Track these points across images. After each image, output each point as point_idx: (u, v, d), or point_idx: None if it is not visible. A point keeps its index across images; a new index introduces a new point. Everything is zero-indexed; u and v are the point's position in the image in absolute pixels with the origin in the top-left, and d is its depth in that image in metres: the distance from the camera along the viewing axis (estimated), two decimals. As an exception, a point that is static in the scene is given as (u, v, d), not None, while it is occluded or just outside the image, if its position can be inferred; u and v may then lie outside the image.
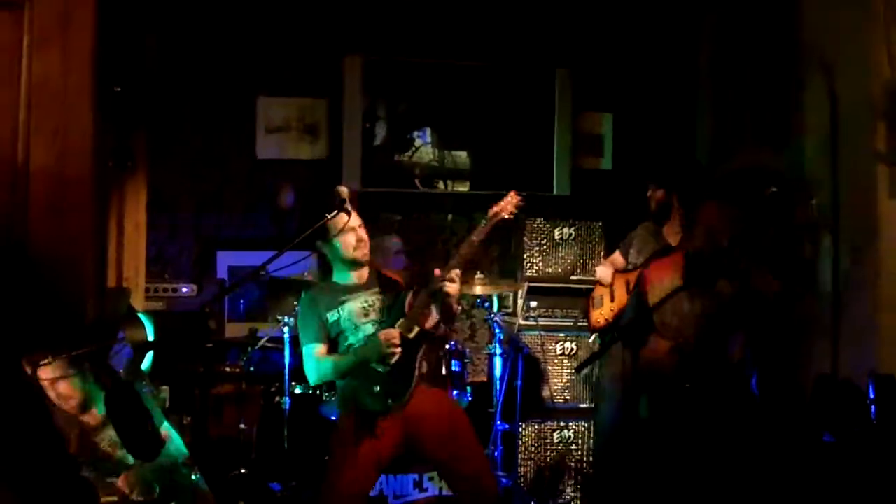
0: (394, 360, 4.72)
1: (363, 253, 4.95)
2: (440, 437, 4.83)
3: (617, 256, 6.17)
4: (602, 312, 6.00)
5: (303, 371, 5.04)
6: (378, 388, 4.74)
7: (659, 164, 5.90)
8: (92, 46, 4.48)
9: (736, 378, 4.97)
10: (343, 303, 4.94)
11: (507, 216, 4.92)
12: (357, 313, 4.93)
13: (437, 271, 4.78)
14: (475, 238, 4.85)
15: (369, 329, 4.89)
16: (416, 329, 4.77)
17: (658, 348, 5.05)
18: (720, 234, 4.88)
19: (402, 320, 4.80)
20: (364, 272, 5.05)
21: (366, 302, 4.97)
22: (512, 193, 4.95)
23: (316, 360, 4.90)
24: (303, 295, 5.13)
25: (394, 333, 4.72)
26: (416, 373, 4.78)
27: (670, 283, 4.86)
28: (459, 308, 5.01)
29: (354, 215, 4.89)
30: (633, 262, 5.96)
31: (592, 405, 6.63)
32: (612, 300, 5.96)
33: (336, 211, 4.77)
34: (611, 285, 6.00)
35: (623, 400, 5.83)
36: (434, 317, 4.87)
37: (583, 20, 7.76)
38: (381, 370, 4.74)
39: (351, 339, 4.90)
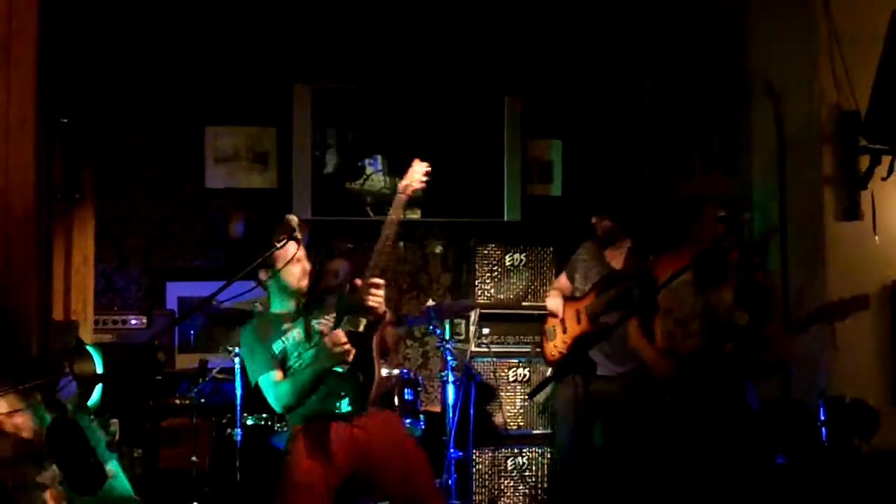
0: (350, 357, 4.49)
1: (306, 283, 4.88)
2: (391, 464, 4.69)
3: (563, 280, 6.20)
4: (556, 345, 6.02)
5: (254, 401, 4.93)
6: (345, 391, 4.58)
7: (605, 194, 5.95)
8: (34, 79, 4.41)
9: (729, 386, 4.96)
10: (286, 332, 4.80)
11: (417, 186, 4.79)
12: (302, 340, 4.81)
13: (358, 282, 4.61)
14: (394, 216, 4.73)
15: (313, 353, 4.79)
16: (364, 322, 4.57)
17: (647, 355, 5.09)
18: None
19: (346, 317, 4.60)
20: (303, 299, 4.96)
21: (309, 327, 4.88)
22: (416, 161, 4.81)
23: (278, 386, 4.68)
24: (243, 330, 4.93)
25: (338, 334, 4.50)
26: (376, 365, 4.58)
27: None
28: (387, 313, 4.84)
29: (300, 246, 4.82)
30: (581, 289, 5.99)
31: (549, 430, 6.62)
32: (565, 332, 5.98)
33: (285, 240, 4.72)
34: (562, 317, 6.02)
35: (577, 424, 5.84)
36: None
37: (531, 49, 7.80)
38: (341, 371, 4.53)
39: (296, 367, 4.74)
